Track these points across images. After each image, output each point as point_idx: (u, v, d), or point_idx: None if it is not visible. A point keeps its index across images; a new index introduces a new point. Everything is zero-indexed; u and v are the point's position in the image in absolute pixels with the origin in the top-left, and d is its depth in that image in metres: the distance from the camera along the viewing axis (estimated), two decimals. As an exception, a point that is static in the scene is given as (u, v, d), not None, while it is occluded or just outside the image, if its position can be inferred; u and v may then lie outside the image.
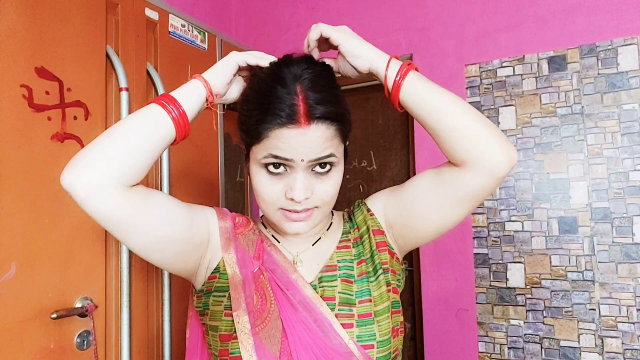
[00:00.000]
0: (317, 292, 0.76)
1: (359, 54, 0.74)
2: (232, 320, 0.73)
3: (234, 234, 0.79)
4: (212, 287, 0.77)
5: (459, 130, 0.69)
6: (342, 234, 0.86)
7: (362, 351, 0.73)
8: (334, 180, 0.74)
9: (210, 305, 0.77)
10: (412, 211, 0.79)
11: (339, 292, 0.77)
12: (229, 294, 0.75)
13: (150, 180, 1.33)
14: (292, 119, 0.67)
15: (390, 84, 0.72)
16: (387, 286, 0.79)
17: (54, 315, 1.01)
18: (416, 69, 0.73)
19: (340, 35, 0.75)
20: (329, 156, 0.71)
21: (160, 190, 1.34)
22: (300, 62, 0.72)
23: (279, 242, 0.83)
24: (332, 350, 0.72)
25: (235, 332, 0.72)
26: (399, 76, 0.71)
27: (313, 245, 0.83)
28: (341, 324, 0.74)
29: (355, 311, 0.75)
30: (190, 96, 0.71)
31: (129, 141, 0.65)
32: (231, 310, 0.73)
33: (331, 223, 0.87)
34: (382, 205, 0.85)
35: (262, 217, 0.90)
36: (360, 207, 0.88)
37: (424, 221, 0.78)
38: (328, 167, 0.72)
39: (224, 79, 0.74)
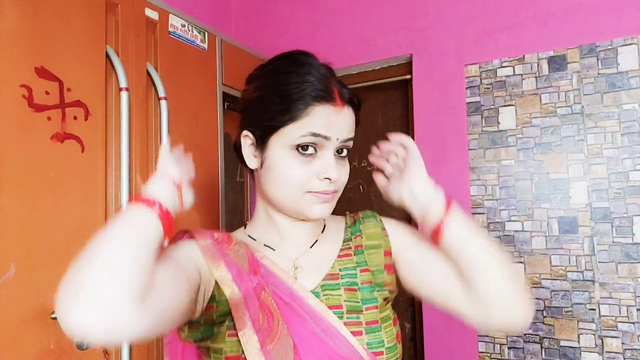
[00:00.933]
0: (321, 301, 0.74)
1: (420, 195, 0.76)
2: (238, 341, 0.68)
3: (220, 251, 0.73)
4: (213, 317, 0.71)
5: (486, 278, 0.72)
6: (344, 242, 0.83)
7: (373, 358, 0.72)
8: (347, 165, 0.77)
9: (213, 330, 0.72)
10: (422, 281, 0.80)
11: (344, 301, 0.75)
12: (231, 315, 0.70)
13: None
14: (332, 97, 0.70)
15: (434, 224, 0.74)
16: (384, 300, 0.79)
17: (53, 315, 1.01)
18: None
19: (417, 163, 0.77)
20: (351, 139, 0.74)
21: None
22: (311, 55, 0.75)
23: (273, 249, 0.79)
24: (342, 359, 0.70)
25: (243, 352, 0.68)
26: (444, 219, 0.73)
27: (311, 247, 0.81)
28: (350, 332, 0.72)
29: (362, 318, 0.74)
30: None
31: (124, 251, 0.54)
32: (235, 330, 0.69)
33: (325, 225, 0.84)
34: (398, 239, 0.83)
35: (245, 227, 0.84)
36: (374, 220, 0.86)
37: (430, 294, 0.80)
38: (345, 152, 0.75)
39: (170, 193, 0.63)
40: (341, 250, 0.82)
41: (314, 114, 0.69)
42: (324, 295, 0.75)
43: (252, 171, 0.80)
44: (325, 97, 0.69)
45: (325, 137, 0.70)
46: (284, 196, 0.73)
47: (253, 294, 0.71)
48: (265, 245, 0.79)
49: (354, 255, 0.81)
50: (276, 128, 0.71)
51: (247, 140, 0.76)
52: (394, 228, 0.85)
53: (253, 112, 0.75)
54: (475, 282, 0.72)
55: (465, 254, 0.73)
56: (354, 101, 0.74)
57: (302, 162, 0.71)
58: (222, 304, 0.70)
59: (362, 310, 0.75)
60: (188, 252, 0.70)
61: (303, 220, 0.78)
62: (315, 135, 0.69)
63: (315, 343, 0.70)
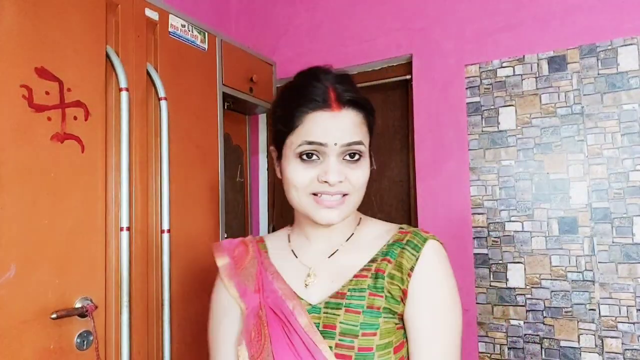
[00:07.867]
0: (319, 318, 0.75)
1: None
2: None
3: (235, 271, 0.84)
4: None
5: None
6: (369, 262, 0.79)
7: None
8: (364, 169, 0.78)
9: None
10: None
11: (340, 322, 0.74)
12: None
13: (150, 182, 1.33)
14: (326, 102, 0.73)
15: None
16: (395, 325, 0.76)
17: (53, 316, 1.01)
18: None
19: None
20: (358, 143, 0.75)
21: (160, 189, 1.34)
22: (324, 68, 0.81)
23: (296, 257, 0.84)
24: None
25: None
26: None
27: (329, 257, 0.82)
28: (338, 354, 0.71)
29: (356, 343, 0.72)
30: None
31: None
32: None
33: (352, 234, 0.84)
34: (416, 292, 0.77)
35: (292, 225, 0.91)
36: (414, 251, 0.78)
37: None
38: (357, 156, 0.76)
39: None
40: (361, 270, 0.78)
41: (308, 122, 0.73)
42: (324, 312, 0.76)
43: None
44: (318, 103, 0.73)
45: (321, 144, 0.73)
46: (293, 200, 0.78)
47: (252, 312, 0.78)
48: (292, 250, 0.86)
49: (370, 278, 0.77)
50: (284, 139, 0.77)
51: (273, 154, 0.84)
52: (420, 276, 0.76)
53: (273, 127, 0.82)
54: None
55: None
56: (358, 102, 0.76)
57: (305, 167, 0.75)
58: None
59: (358, 335, 0.72)
60: (227, 306, 0.84)
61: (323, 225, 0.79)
62: (310, 143, 0.73)
63: None
